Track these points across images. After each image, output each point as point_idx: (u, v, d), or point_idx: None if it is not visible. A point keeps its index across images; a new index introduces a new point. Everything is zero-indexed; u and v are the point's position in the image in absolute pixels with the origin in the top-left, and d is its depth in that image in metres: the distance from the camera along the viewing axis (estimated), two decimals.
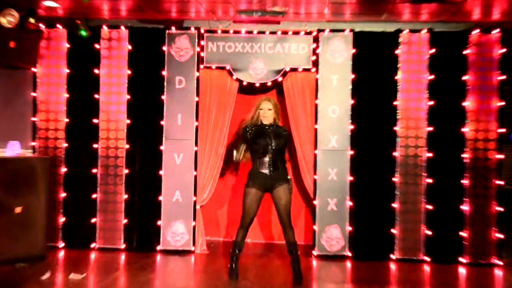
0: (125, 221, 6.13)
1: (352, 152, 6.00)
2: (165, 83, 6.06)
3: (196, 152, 6.07)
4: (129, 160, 6.13)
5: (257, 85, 6.23)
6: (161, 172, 6.07)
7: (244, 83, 6.19)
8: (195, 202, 6.09)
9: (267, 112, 5.12)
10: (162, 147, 6.07)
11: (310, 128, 6.14)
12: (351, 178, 5.98)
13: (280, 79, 6.16)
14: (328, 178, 6.00)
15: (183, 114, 6.04)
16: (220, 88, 6.18)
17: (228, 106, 6.18)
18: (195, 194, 6.08)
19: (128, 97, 6.15)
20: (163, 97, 6.07)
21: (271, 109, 5.11)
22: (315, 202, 6.02)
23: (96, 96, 6.19)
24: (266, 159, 5.08)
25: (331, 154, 5.99)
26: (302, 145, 6.17)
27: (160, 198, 6.08)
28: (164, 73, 6.07)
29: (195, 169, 6.06)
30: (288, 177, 5.20)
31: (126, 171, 6.13)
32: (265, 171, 5.10)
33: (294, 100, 6.16)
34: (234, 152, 5.23)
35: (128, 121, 6.15)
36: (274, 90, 6.60)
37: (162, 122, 6.07)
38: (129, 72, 6.15)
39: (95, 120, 6.18)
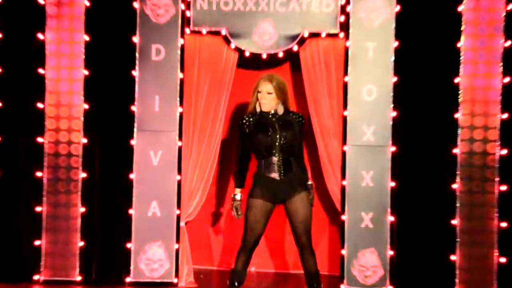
0: (81, 243, 5.29)
1: (394, 149, 5.20)
2: (137, 54, 5.23)
3: (180, 149, 5.27)
4: (88, 159, 5.35)
5: (264, 56, 5.36)
6: (132, 176, 5.23)
7: (246, 54, 5.34)
8: (178, 217, 5.28)
9: (266, 97, 4.56)
10: (133, 142, 5.24)
11: (337, 115, 5.31)
12: (393, 184, 5.19)
13: (295, 48, 5.28)
14: (362, 184, 5.21)
15: (162, 97, 5.22)
16: (213, 60, 5.35)
17: (223, 85, 5.34)
18: (178, 207, 5.27)
19: (86, 72, 5.28)
20: (134, 72, 5.24)
21: (271, 93, 4.55)
22: (343, 217, 5.22)
23: (41, 71, 5.33)
24: (274, 159, 4.50)
25: (365, 151, 5.20)
26: (326, 139, 5.31)
27: (131, 211, 5.25)
28: (135, 39, 5.22)
29: (179, 172, 5.25)
30: (308, 183, 4.59)
31: (84, 174, 5.29)
32: (274, 175, 4.49)
33: (315, 78, 5.28)
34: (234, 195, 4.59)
35: (86, 106, 5.29)
36: (287, 64, 5.75)
37: (133, 108, 5.24)
38: (86, 38, 5.28)
39: (39, 105, 5.31)
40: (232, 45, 5.33)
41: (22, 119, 5.38)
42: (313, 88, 5.36)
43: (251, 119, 4.56)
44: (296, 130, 4.55)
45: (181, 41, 5.28)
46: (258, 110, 4.58)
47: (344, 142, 5.31)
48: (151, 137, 5.26)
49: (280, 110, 4.50)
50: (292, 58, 5.60)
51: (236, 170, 4.61)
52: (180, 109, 5.27)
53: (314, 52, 5.35)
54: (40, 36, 5.33)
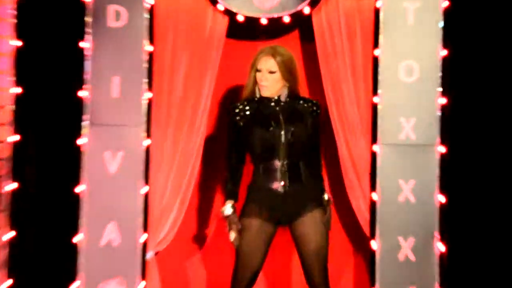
0: (8, 282, 4.42)
1: (444, 150, 4.47)
2: (87, 18, 4.43)
3: (148, 150, 4.52)
4: (20, 164, 4.57)
5: (264, 21, 4.56)
6: (79, 189, 4.39)
7: (240, 19, 4.56)
8: (145, 246, 4.48)
9: (268, 78, 3.89)
10: (82, 141, 4.40)
11: (364, 104, 4.67)
12: (443, 199, 4.45)
13: (307, 10, 4.53)
14: (399, 198, 4.52)
15: (122, 78, 4.47)
16: (195, 28, 4.66)
17: (209, 62, 4.60)
18: (145, 230, 4.46)
19: (18, 43, 4.43)
20: (84, 44, 4.43)
21: (274, 72, 3.89)
22: (374, 244, 4.46)
23: None
24: (277, 163, 3.90)
25: (404, 153, 4.54)
26: (349, 136, 4.62)
27: (78, 238, 4.40)
28: None
29: (146, 181, 4.48)
30: (324, 197, 3.93)
31: (13, 185, 4.43)
32: (276, 185, 3.89)
33: (334, 51, 4.61)
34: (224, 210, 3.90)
35: (18, 90, 4.42)
36: (295, 32, 4.94)
37: (82, 93, 4.41)
38: None
39: None
40: (220, 7, 4.57)
41: None
42: (331, 66, 4.66)
43: (246, 108, 3.93)
44: (309, 123, 3.96)
45: (149, 1, 4.48)
46: (257, 95, 3.94)
47: (374, 140, 4.66)
48: (107, 133, 4.48)
49: (287, 96, 3.93)
50: (303, 25, 4.82)
51: (225, 177, 4.04)
52: (148, 95, 4.47)
53: (333, 16, 4.66)
54: None
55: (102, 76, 4.59)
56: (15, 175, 4.60)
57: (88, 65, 4.60)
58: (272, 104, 3.93)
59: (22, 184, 4.62)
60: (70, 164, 4.58)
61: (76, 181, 4.56)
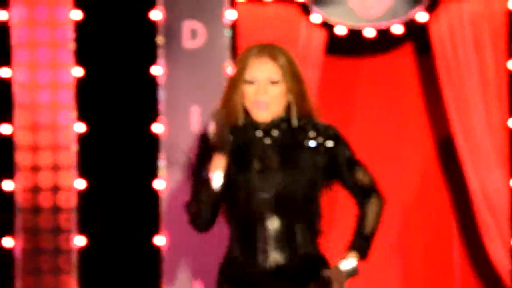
0: None
1: None
2: (159, 39, 4.43)
3: None
4: (88, 216, 4.46)
5: (370, 34, 4.38)
6: (158, 241, 4.31)
7: (339, 32, 4.38)
8: None
9: (268, 91, 2.71)
10: (158, 185, 4.34)
11: (498, 129, 4.48)
12: None
13: (422, 17, 4.35)
14: None
15: (203, 108, 4.41)
16: (285, 45, 4.21)
17: None
18: None
19: (79, 72, 4.40)
20: (156, 69, 4.42)
21: (277, 82, 2.69)
22: None
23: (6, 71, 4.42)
24: (261, 226, 2.52)
25: None
26: (480, 169, 4.47)
27: None
28: (156, 14, 4.45)
29: None
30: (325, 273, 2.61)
31: (81, 241, 4.34)
32: (259, 259, 2.55)
33: (457, 67, 4.54)
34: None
35: (82, 128, 4.39)
36: (408, 45, 4.71)
37: (155, 128, 4.37)
38: (77, 15, 4.43)
39: (4, 127, 4.36)
40: (316, 18, 4.41)
41: None
42: (455, 85, 4.56)
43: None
44: (316, 166, 2.78)
45: (231, 15, 4.43)
46: (240, 121, 2.62)
47: None
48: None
49: (296, 119, 2.55)
50: (418, 36, 4.63)
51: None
52: None
53: (455, 23, 4.63)
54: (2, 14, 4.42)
55: (179, 106, 4.59)
56: (82, 230, 4.50)
57: (162, 94, 4.50)
58: (259, 134, 2.81)
59: (91, 240, 4.50)
60: (148, 212, 4.46)
61: (156, 230, 4.47)
